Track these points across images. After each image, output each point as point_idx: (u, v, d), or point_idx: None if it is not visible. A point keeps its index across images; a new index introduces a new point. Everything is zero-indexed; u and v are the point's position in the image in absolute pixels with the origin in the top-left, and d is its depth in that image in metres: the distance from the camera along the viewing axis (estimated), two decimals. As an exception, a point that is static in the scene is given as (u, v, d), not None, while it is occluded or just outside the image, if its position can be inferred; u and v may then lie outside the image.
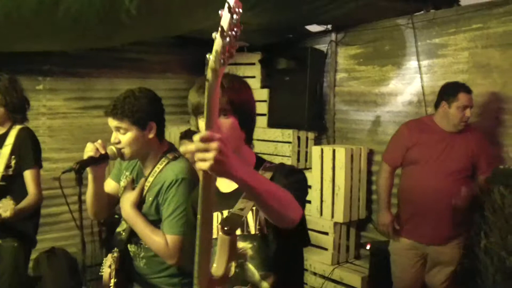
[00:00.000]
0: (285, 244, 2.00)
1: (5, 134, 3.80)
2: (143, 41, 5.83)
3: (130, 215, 2.62)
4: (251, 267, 2.04)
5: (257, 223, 2.01)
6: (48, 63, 5.69)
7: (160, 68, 6.37)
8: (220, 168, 1.49)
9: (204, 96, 1.52)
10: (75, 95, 5.91)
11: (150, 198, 2.64)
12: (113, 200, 2.90)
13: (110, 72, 6.09)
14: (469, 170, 4.08)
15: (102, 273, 2.71)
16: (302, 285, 2.22)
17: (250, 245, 2.04)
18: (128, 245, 2.76)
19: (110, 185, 2.92)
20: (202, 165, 1.48)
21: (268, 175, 2.03)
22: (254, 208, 1.99)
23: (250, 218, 2.02)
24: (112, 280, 2.72)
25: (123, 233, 2.76)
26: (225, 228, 1.86)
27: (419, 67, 5.13)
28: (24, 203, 3.62)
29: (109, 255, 2.74)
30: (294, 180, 2.03)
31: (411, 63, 5.24)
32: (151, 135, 2.62)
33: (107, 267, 2.70)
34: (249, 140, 2.13)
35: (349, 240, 5.60)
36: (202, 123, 1.95)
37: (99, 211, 2.82)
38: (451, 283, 4.23)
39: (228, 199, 2.07)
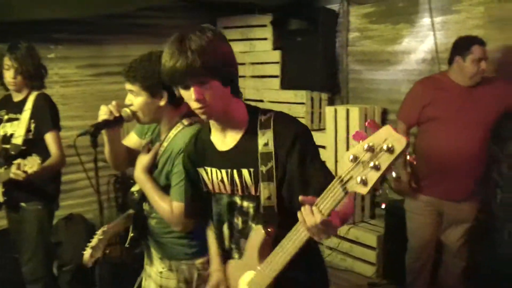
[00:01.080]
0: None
1: (24, 100, 3.87)
2: (156, 6, 5.79)
3: (140, 179, 2.62)
4: (253, 225, 2.07)
5: (258, 186, 2.00)
6: (60, 31, 5.67)
7: (172, 33, 6.26)
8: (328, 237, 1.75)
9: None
10: (87, 62, 5.90)
11: (161, 164, 2.63)
12: (134, 154, 2.90)
13: (123, 38, 6.07)
14: (488, 124, 4.00)
15: (84, 252, 2.75)
16: (316, 243, 2.22)
17: (252, 205, 2.06)
18: (143, 204, 2.78)
19: (132, 140, 2.92)
20: (319, 237, 1.72)
21: (269, 134, 1.98)
22: (252, 170, 2.00)
23: (248, 179, 2.01)
24: (130, 234, 2.76)
25: (136, 194, 2.78)
26: (269, 230, 1.96)
27: (432, 24, 5.06)
28: (48, 162, 3.68)
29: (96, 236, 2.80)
30: (313, 153, 2.00)
31: (424, 20, 5.17)
32: (162, 103, 2.56)
33: (89, 248, 2.75)
34: (235, 91, 2.02)
35: (364, 199, 5.61)
36: (183, 91, 1.94)
37: (119, 165, 2.85)
38: (467, 240, 4.23)
39: (226, 157, 2.07)
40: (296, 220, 1.76)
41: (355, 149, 1.52)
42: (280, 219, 1.96)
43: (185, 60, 1.83)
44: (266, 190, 1.96)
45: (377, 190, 1.54)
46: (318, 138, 5.56)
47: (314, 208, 1.65)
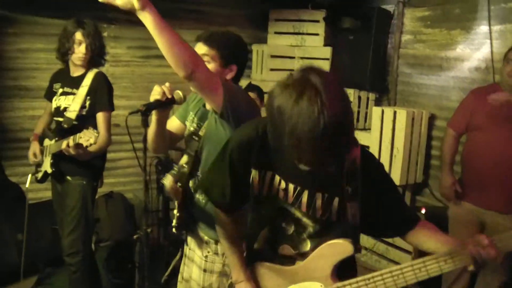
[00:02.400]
0: None
1: (83, 76, 3.92)
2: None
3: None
4: (308, 239, 2.06)
5: (327, 211, 2.00)
6: (113, 10, 5.71)
7: (224, 22, 6.32)
8: None
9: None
10: (137, 43, 5.95)
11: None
12: (175, 139, 2.94)
13: (173, 23, 5.94)
14: None
15: (164, 182, 2.78)
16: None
17: (312, 224, 2.03)
18: (190, 181, 2.80)
19: (174, 124, 2.94)
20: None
21: (356, 151, 1.96)
22: (326, 196, 1.99)
23: (319, 202, 1.99)
24: (175, 214, 2.77)
25: (186, 166, 2.80)
26: (358, 248, 1.99)
27: (490, 32, 4.95)
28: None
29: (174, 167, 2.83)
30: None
31: (482, 28, 5.05)
32: (229, 76, 2.65)
33: (170, 175, 2.78)
34: None
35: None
36: None
37: (159, 148, 2.86)
38: (509, 254, 4.12)
39: (305, 175, 1.87)
40: None
41: None
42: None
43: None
44: (351, 210, 1.95)
45: None
46: (362, 137, 5.52)
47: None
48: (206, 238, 2.79)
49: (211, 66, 2.60)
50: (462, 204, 4.23)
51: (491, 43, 4.93)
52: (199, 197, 2.76)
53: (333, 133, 1.58)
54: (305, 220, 2.04)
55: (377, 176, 1.96)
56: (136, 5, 2.19)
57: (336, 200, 1.97)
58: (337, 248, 2.00)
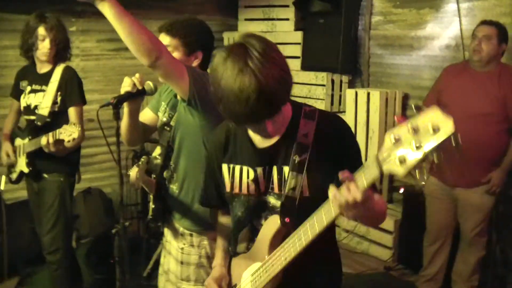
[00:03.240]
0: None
1: (50, 72, 3.87)
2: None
3: None
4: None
5: (284, 185, 1.96)
6: (81, 4, 5.64)
7: (193, 10, 6.27)
8: (356, 219, 1.72)
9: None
10: (107, 36, 5.87)
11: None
12: (149, 130, 2.93)
13: (142, 13, 5.99)
14: (499, 115, 3.94)
15: (130, 173, 2.76)
16: (334, 237, 2.22)
17: (278, 202, 1.99)
18: (164, 172, 2.79)
19: (147, 115, 2.93)
20: (347, 215, 1.66)
21: (311, 125, 1.93)
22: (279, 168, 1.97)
23: (276, 176, 1.98)
24: (151, 206, 2.77)
25: (159, 158, 2.79)
26: (286, 220, 1.90)
27: (458, 10, 4.97)
28: None
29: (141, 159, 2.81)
30: (356, 149, 2.00)
31: (450, 6, 5.08)
32: (195, 63, 2.65)
33: (136, 166, 2.75)
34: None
35: (382, 183, 5.59)
36: None
37: (133, 140, 2.86)
38: (484, 230, 4.19)
39: (265, 154, 2.00)
40: None
41: (398, 128, 1.44)
42: (300, 215, 1.87)
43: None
44: (293, 181, 1.91)
45: (415, 176, 1.44)
46: (337, 120, 5.53)
47: (351, 183, 1.58)
48: (181, 229, 2.80)
49: (175, 55, 2.60)
50: (431, 180, 4.30)
51: (460, 21, 4.95)
52: (173, 187, 2.76)
53: (253, 91, 1.68)
54: (279, 203, 1.99)
55: (333, 150, 1.91)
56: None
57: (286, 169, 1.96)
58: (269, 224, 1.99)
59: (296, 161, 1.90)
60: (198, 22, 2.76)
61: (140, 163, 2.76)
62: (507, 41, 3.97)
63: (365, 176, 1.56)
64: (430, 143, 1.39)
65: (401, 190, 5.15)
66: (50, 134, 3.47)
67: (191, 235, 2.75)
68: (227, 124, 2.15)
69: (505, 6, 4.59)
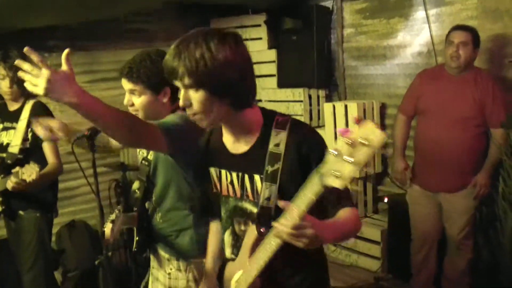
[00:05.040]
0: None
1: (20, 109, 3.83)
2: (146, 10, 5.75)
3: None
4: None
5: (257, 193, 1.98)
6: (53, 38, 5.64)
7: (164, 36, 6.26)
8: (312, 246, 1.68)
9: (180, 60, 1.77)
10: (82, 69, 5.85)
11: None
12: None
13: (114, 44, 6.03)
14: (477, 119, 3.97)
15: (104, 229, 2.71)
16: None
17: (255, 210, 2.00)
18: (146, 203, 2.77)
19: None
20: (297, 243, 1.66)
21: (282, 135, 1.93)
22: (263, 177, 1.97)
23: (259, 184, 1.97)
24: (135, 238, 2.74)
25: (138, 192, 2.77)
26: (262, 230, 1.92)
27: (427, 17, 5.05)
28: (45, 170, 3.65)
29: (115, 212, 2.76)
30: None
31: (419, 13, 5.16)
32: (165, 100, 2.58)
33: (109, 222, 2.71)
34: (237, 104, 1.90)
35: (367, 194, 5.60)
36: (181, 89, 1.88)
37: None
38: (470, 233, 4.21)
39: (238, 160, 2.02)
40: None
41: (338, 143, 1.52)
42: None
43: (176, 62, 1.81)
44: (267, 191, 1.92)
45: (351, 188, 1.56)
46: (317, 135, 5.54)
47: (288, 212, 1.66)
48: (167, 256, 2.77)
49: (143, 99, 2.54)
50: (414, 187, 4.34)
51: (430, 27, 5.02)
52: (157, 217, 2.75)
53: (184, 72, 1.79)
54: (255, 210, 2.01)
55: (304, 160, 1.91)
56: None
57: (258, 179, 1.98)
58: (249, 233, 2.00)
59: (268, 171, 1.92)
60: (156, 57, 2.54)
61: (113, 217, 2.73)
62: (479, 45, 4.02)
63: (306, 197, 1.63)
64: (362, 155, 1.48)
65: (386, 200, 5.17)
66: (13, 175, 3.39)
67: (177, 259, 2.73)
68: (208, 134, 2.19)
69: (472, 9, 4.66)
